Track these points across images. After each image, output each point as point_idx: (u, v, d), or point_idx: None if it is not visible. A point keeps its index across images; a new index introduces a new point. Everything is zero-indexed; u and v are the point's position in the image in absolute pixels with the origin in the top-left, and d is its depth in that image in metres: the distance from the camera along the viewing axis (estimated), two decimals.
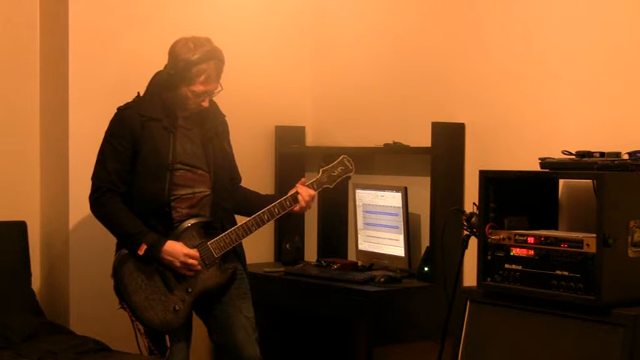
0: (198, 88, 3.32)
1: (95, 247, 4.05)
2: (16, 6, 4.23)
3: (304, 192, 3.47)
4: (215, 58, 3.34)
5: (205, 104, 3.37)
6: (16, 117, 4.24)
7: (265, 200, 3.53)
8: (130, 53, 4.16)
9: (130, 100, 3.42)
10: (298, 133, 4.74)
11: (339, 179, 3.57)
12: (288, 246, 4.50)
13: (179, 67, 3.30)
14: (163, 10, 4.28)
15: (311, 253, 4.66)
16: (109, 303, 4.04)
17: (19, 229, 4.07)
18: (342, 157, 3.58)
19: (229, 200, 3.49)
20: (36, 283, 4.17)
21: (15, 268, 4.02)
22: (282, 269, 4.28)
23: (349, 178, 3.64)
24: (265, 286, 4.07)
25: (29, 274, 4.08)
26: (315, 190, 3.52)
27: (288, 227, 4.64)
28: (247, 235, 3.42)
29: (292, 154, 4.65)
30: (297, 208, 3.48)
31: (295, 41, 4.77)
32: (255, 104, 4.53)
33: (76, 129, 4.06)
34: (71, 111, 4.06)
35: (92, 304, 4.07)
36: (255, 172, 4.42)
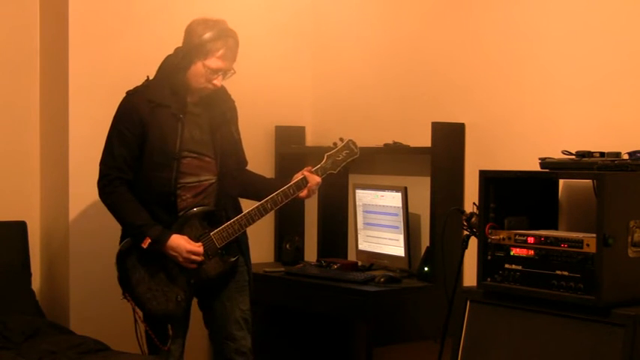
0: (215, 63, 3.31)
1: (95, 246, 4.05)
2: (16, 6, 4.23)
3: (311, 180, 3.47)
4: (232, 36, 3.35)
5: (217, 83, 3.36)
6: (16, 117, 4.24)
7: (271, 184, 3.54)
8: (130, 53, 4.16)
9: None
10: (298, 133, 4.74)
11: (344, 163, 3.56)
12: (288, 246, 4.50)
13: (196, 42, 3.30)
14: (163, 10, 4.29)
15: (311, 253, 4.66)
16: (109, 303, 4.05)
17: (19, 229, 4.07)
18: (348, 140, 3.56)
19: (234, 187, 3.49)
20: (36, 283, 4.17)
21: (15, 268, 4.02)
22: (282, 269, 4.28)
23: (354, 161, 3.61)
24: (265, 286, 4.07)
25: (29, 274, 4.08)
26: (320, 177, 3.52)
27: (288, 227, 4.64)
28: (250, 224, 3.41)
29: (292, 154, 4.65)
30: (303, 194, 3.48)
31: (295, 41, 4.77)
32: (255, 104, 4.53)
33: (76, 129, 4.06)
34: (71, 111, 4.06)
35: (92, 304, 4.07)
36: (255, 171, 4.42)
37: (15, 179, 4.23)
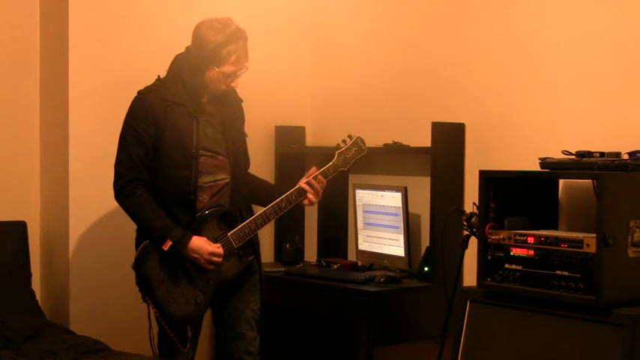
0: (229, 68, 3.32)
1: (95, 246, 4.06)
2: (16, 6, 4.22)
3: (307, 189, 3.44)
4: (242, 37, 3.36)
5: (235, 85, 3.38)
6: (16, 117, 4.23)
7: (274, 189, 3.56)
8: (130, 53, 4.16)
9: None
10: (298, 133, 4.74)
11: (353, 161, 3.57)
12: (288, 246, 4.50)
13: (208, 49, 3.29)
14: (163, 10, 4.28)
15: (311, 253, 4.66)
16: (109, 303, 4.05)
17: (19, 229, 4.07)
18: (356, 137, 3.59)
19: (246, 186, 3.50)
20: (36, 283, 4.17)
21: (15, 268, 4.02)
22: (282, 269, 4.29)
23: (361, 158, 3.62)
24: (265, 286, 4.06)
25: (29, 274, 4.08)
26: (331, 175, 3.51)
27: (288, 227, 4.64)
28: (266, 223, 3.43)
29: (292, 154, 4.65)
30: (306, 202, 3.47)
31: (295, 41, 4.77)
32: (255, 104, 4.50)
33: (76, 129, 4.06)
34: (71, 111, 4.06)
35: (92, 304, 4.07)
36: (255, 172, 4.37)
37: (15, 179, 4.22)
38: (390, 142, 4.19)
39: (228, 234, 3.37)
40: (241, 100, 3.54)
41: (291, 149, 4.65)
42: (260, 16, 4.61)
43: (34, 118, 4.27)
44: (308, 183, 3.46)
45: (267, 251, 4.65)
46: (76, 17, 4.05)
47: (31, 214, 4.22)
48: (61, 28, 4.09)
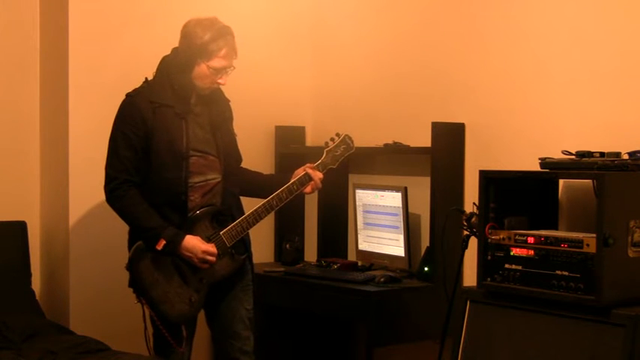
0: (219, 63, 3.33)
1: (95, 246, 4.06)
2: (16, 6, 4.23)
3: (315, 176, 3.48)
4: (230, 33, 3.37)
5: (223, 82, 3.38)
6: (16, 117, 4.24)
7: (269, 180, 3.58)
8: (130, 53, 4.16)
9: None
10: (298, 133, 4.74)
11: (342, 158, 3.58)
12: (288, 246, 4.50)
13: (197, 44, 3.30)
14: (163, 10, 4.29)
15: (311, 253, 4.66)
16: (109, 303, 4.05)
17: (19, 229, 4.07)
18: (344, 135, 3.59)
19: (237, 185, 3.51)
20: (36, 283, 4.17)
21: (15, 268, 4.02)
22: (282, 269, 4.28)
23: (351, 156, 3.62)
24: (265, 286, 4.07)
25: (29, 274, 4.08)
26: (321, 172, 3.53)
27: (288, 227, 4.64)
28: (257, 222, 3.42)
29: (292, 154, 4.64)
30: (307, 190, 3.49)
31: (295, 41, 4.77)
32: (255, 104, 4.53)
33: (76, 129, 4.06)
34: (71, 111, 4.06)
35: (92, 304, 4.07)
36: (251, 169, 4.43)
37: (15, 179, 4.22)
38: (390, 142, 4.19)
39: (221, 232, 3.37)
40: (229, 100, 3.54)
41: (291, 149, 4.65)
42: (260, 16, 4.61)
43: (34, 118, 4.28)
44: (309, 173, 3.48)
45: (267, 251, 4.65)
46: (76, 17, 4.06)
47: (31, 214, 4.22)
48: (61, 28, 4.09)
